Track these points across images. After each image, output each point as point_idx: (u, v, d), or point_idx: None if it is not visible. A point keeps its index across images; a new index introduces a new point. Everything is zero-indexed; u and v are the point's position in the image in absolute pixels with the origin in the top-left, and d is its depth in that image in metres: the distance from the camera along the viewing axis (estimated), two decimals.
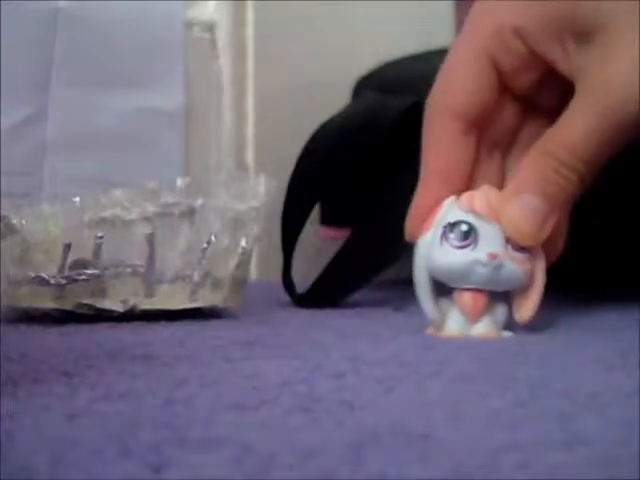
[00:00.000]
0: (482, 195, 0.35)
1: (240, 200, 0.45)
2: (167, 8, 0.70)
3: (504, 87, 0.37)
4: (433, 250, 0.34)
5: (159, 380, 0.25)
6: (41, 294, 0.41)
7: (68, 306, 0.40)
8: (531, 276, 0.35)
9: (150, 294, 0.41)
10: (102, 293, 0.41)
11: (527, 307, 0.35)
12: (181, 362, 0.28)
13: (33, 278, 0.40)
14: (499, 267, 0.34)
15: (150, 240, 0.41)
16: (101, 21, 0.67)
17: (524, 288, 0.35)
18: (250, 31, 0.74)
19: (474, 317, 0.35)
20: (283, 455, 0.16)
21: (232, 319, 0.42)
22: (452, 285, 0.35)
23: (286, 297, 0.50)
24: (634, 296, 0.44)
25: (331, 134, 0.55)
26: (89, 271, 0.40)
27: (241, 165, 0.73)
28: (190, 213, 0.45)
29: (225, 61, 0.73)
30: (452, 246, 0.34)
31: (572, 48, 0.34)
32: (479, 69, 0.36)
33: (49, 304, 0.40)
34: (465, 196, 0.35)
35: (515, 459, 0.16)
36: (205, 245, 0.42)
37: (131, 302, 0.41)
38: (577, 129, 0.34)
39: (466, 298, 0.35)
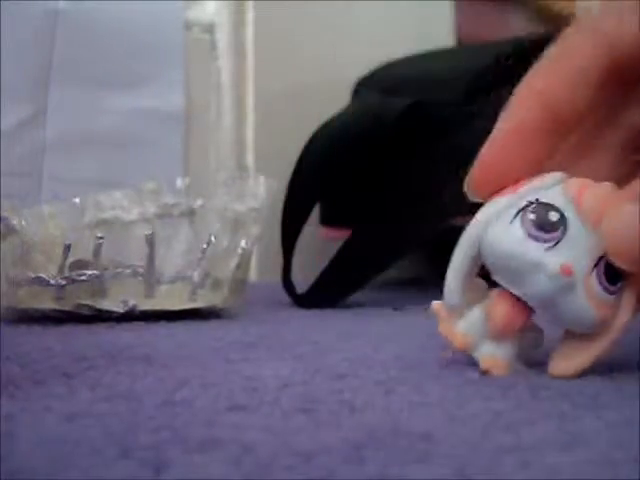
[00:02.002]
0: (596, 192, 0.25)
1: (240, 201, 0.45)
2: (167, 9, 0.70)
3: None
4: (498, 223, 0.25)
5: (159, 381, 0.25)
6: (41, 295, 0.41)
7: (68, 307, 0.40)
8: (605, 324, 0.25)
9: (150, 294, 0.41)
10: (102, 294, 0.41)
11: (577, 360, 0.25)
12: (181, 363, 0.28)
13: (33, 279, 0.40)
14: (567, 289, 0.24)
15: (150, 241, 0.41)
16: (101, 21, 0.67)
17: (586, 332, 0.25)
18: (250, 32, 0.74)
19: (496, 336, 0.25)
20: (283, 456, 0.16)
21: (232, 319, 0.42)
22: (497, 280, 0.25)
23: (286, 298, 0.51)
24: None
25: (331, 134, 0.55)
26: (89, 272, 0.40)
27: (241, 166, 0.73)
28: (190, 214, 0.46)
29: (225, 62, 0.73)
30: (525, 231, 0.24)
31: None
32: (589, 70, 0.28)
33: (49, 305, 0.40)
34: (575, 182, 0.25)
35: (515, 460, 0.16)
36: (205, 246, 0.42)
37: (131, 302, 0.41)
38: None
39: (501, 309, 0.25)
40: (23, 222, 0.41)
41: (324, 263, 0.50)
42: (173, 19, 0.71)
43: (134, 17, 0.69)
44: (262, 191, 0.45)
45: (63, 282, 0.40)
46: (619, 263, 0.24)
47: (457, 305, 0.26)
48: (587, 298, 0.24)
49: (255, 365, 0.28)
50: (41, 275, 0.40)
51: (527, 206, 0.25)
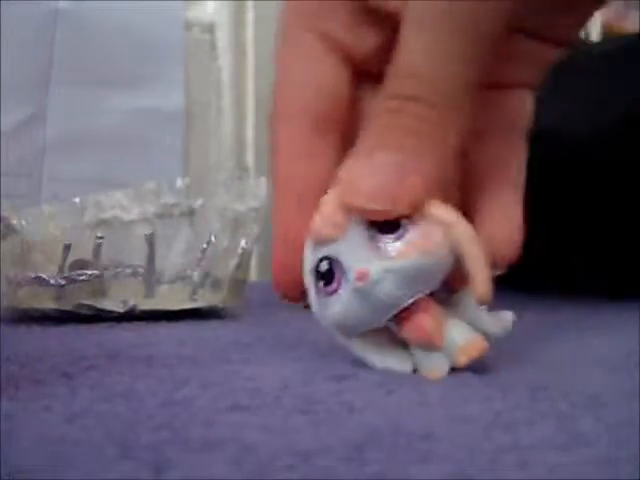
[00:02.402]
0: (321, 211, 0.25)
1: (240, 201, 0.45)
2: (167, 8, 0.70)
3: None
4: (317, 311, 0.26)
5: (159, 381, 0.25)
6: (41, 295, 0.41)
7: (68, 306, 0.40)
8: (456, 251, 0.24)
9: (150, 294, 0.41)
10: (102, 293, 0.41)
11: (476, 281, 0.24)
12: (181, 363, 0.28)
13: (33, 279, 0.40)
14: (388, 272, 0.24)
15: (150, 240, 0.41)
16: (101, 21, 0.67)
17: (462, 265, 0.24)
18: (250, 31, 0.74)
19: (438, 342, 0.25)
20: (283, 456, 0.16)
21: (232, 320, 0.42)
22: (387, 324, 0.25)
23: None
24: (634, 297, 0.44)
25: None
26: (89, 271, 0.40)
27: (241, 166, 0.73)
28: (190, 213, 0.45)
29: (225, 62, 0.73)
30: (326, 295, 0.25)
31: None
32: (321, 55, 0.28)
33: (49, 305, 0.40)
34: (311, 224, 0.25)
35: (515, 460, 0.16)
36: (205, 245, 0.42)
37: (131, 302, 0.41)
38: (411, 51, 0.24)
39: (409, 330, 0.25)
40: (23, 222, 0.41)
41: None
42: (173, 19, 0.71)
43: (134, 17, 0.69)
44: (262, 191, 0.45)
45: (63, 282, 0.40)
46: (377, 209, 0.24)
47: (407, 366, 0.26)
48: (397, 259, 0.24)
49: (255, 365, 0.28)
50: (41, 275, 0.40)
51: (312, 279, 0.25)
